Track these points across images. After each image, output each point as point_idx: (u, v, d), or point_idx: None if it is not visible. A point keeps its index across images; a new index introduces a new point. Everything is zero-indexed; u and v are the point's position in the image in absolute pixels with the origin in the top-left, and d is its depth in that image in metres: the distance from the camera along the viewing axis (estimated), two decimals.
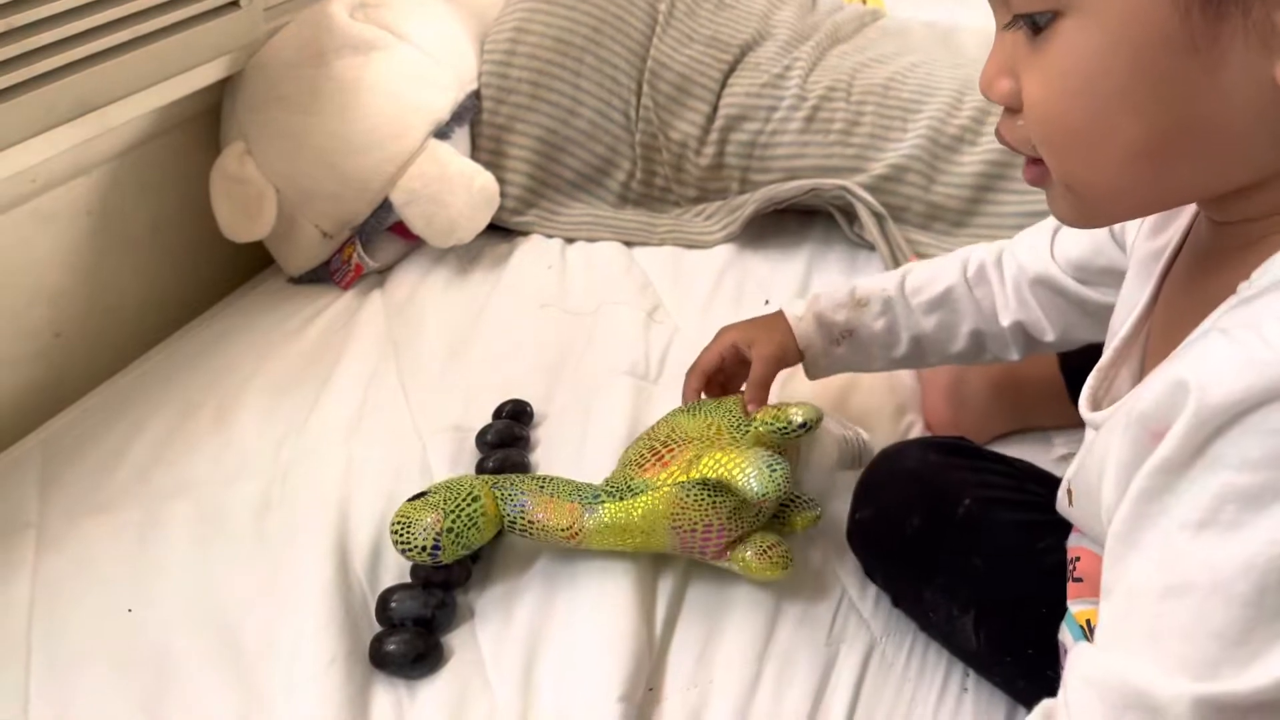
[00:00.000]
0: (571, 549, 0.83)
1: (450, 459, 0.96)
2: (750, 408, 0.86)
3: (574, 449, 0.97)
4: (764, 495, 0.76)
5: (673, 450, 0.83)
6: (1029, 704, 0.73)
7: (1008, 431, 1.00)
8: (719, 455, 0.79)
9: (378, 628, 0.79)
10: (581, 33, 1.34)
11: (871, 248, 1.24)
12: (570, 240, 1.31)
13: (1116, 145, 0.47)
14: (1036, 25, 0.48)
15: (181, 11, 1.11)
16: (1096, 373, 0.59)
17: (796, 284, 1.21)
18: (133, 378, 1.12)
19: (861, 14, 1.48)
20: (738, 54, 1.35)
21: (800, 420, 0.82)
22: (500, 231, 1.32)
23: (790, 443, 0.84)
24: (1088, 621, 0.61)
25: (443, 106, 1.26)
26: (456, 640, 0.79)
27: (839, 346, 0.90)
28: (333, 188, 1.22)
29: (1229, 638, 0.42)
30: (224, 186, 1.22)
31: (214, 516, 0.91)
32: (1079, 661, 0.48)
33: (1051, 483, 0.81)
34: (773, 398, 0.90)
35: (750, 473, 0.76)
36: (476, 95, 1.32)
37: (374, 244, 1.26)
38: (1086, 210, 0.52)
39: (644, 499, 0.80)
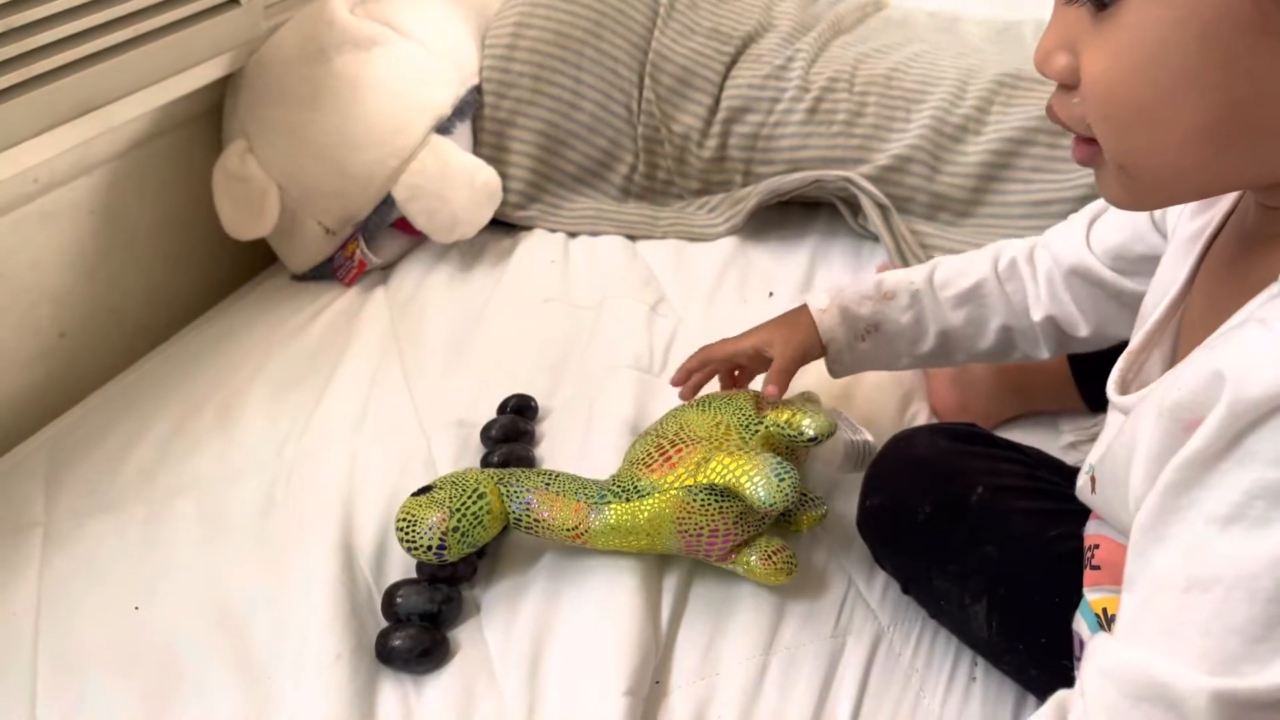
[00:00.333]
0: (576, 548, 0.83)
1: (455, 454, 0.96)
2: (769, 392, 0.85)
3: (578, 443, 0.97)
4: (772, 505, 0.75)
5: (680, 450, 0.82)
6: (1040, 692, 0.73)
7: (1014, 417, 0.99)
8: (727, 460, 0.79)
9: (384, 623, 0.79)
10: (582, 26, 1.34)
11: (876, 239, 1.24)
12: (573, 234, 1.31)
13: (1178, 125, 0.47)
14: (1102, 2, 0.47)
15: (181, 10, 1.11)
16: (1127, 355, 0.58)
17: (800, 276, 1.20)
18: (137, 376, 1.12)
19: (864, 4, 1.47)
20: (740, 46, 1.35)
21: (811, 434, 0.83)
22: (503, 226, 1.32)
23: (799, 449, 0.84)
24: (1104, 610, 0.60)
25: (444, 102, 1.26)
26: (463, 635, 0.79)
27: (863, 341, 0.88)
28: (335, 184, 1.22)
29: (1251, 634, 0.42)
30: (226, 184, 1.22)
31: (219, 514, 0.91)
32: (1097, 653, 0.48)
33: (1063, 470, 0.81)
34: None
35: (759, 481, 0.76)
36: (478, 90, 1.32)
37: (377, 240, 1.26)
38: (1140, 191, 0.51)
39: (650, 502, 0.80)
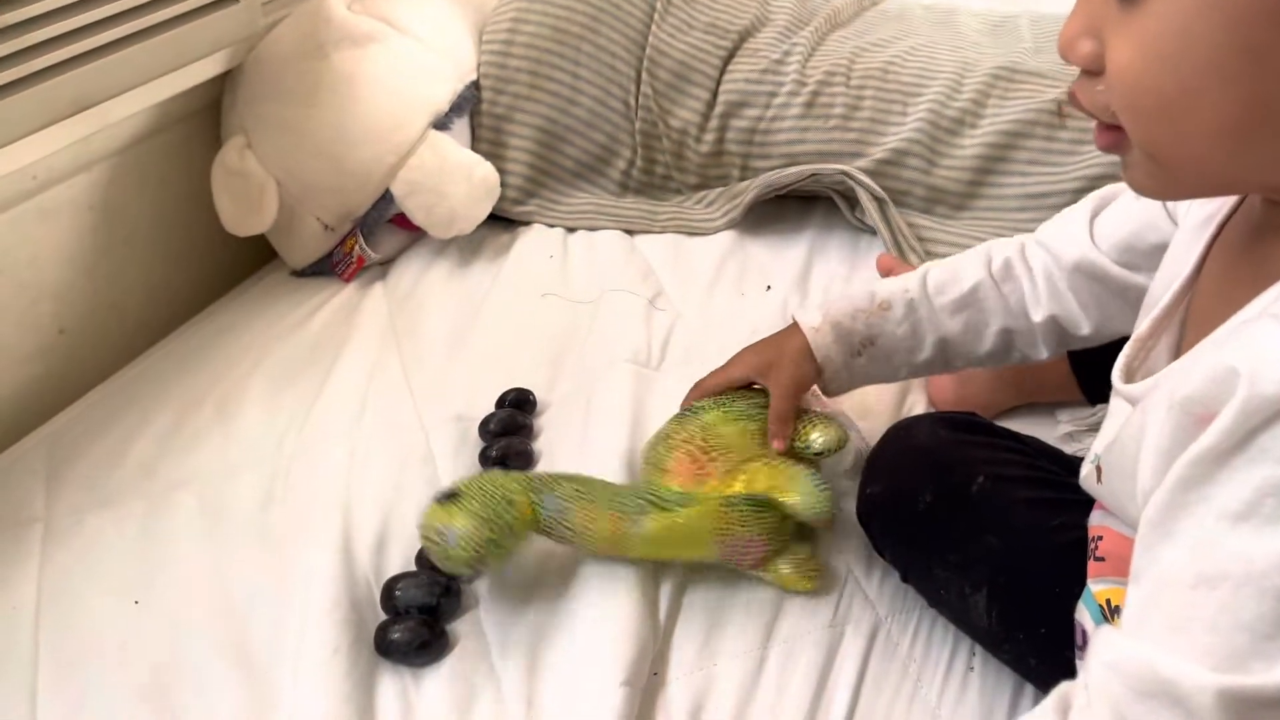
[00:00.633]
0: (609, 555, 0.81)
1: (453, 448, 0.96)
2: (775, 445, 0.84)
3: (577, 437, 0.97)
4: (817, 516, 0.78)
5: (712, 457, 0.83)
6: (1040, 682, 0.73)
7: (1012, 407, 1.00)
8: (764, 471, 0.80)
9: (383, 616, 0.79)
10: (579, 21, 1.34)
11: (873, 232, 1.24)
12: (571, 229, 1.31)
13: (1205, 116, 0.46)
14: None
15: (179, 6, 1.11)
16: (1133, 343, 0.58)
17: (798, 269, 1.20)
18: (137, 372, 1.12)
19: None
20: (736, 40, 1.35)
21: (818, 448, 0.84)
22: (501, 221, 1.32)
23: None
24: (1108, 601, 0.60)
25: (442, 97, 1.26)
26: (461, 628, 0.80)
27: (859, 357, 0.85)
28: (333, 180, 1.22)
29: (1259, 631, 0.42)
30: (225, 180, 1.23)
31: (219, 509, 0.91)
32: (1103, 646, 0.48)
33: (1063, 460, 0.81)
34: None
35: (802, 493, 0.78)
36: (475, 86, 1.32)
37: (375, 236, 1.26)
38: (1168, 181, 0.51)
39: (688, 513, 0.79)
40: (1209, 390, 0.44)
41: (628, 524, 0.78)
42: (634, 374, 1.03)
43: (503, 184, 1.30)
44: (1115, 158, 0.52)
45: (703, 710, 0.74)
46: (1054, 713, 0.49)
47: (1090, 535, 0.64)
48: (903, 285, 0.85)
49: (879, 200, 1.23)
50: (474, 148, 1.31)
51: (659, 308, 1.15)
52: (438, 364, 1.09)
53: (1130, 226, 0.75)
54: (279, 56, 1.23)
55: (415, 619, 0.78)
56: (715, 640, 0.78)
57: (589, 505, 0.78)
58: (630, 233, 1.30)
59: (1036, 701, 0.74)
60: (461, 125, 1.30)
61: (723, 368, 0.90)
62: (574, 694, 0.74)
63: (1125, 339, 0.79)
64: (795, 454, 0.85)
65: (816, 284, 1.19)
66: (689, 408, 0.88)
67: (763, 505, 0.79)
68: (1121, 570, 0.59)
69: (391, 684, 0.75)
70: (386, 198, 1.23)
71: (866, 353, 0.85)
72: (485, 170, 1.26)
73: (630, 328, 1.11)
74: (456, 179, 1.23)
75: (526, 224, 1.32)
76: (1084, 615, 0.63)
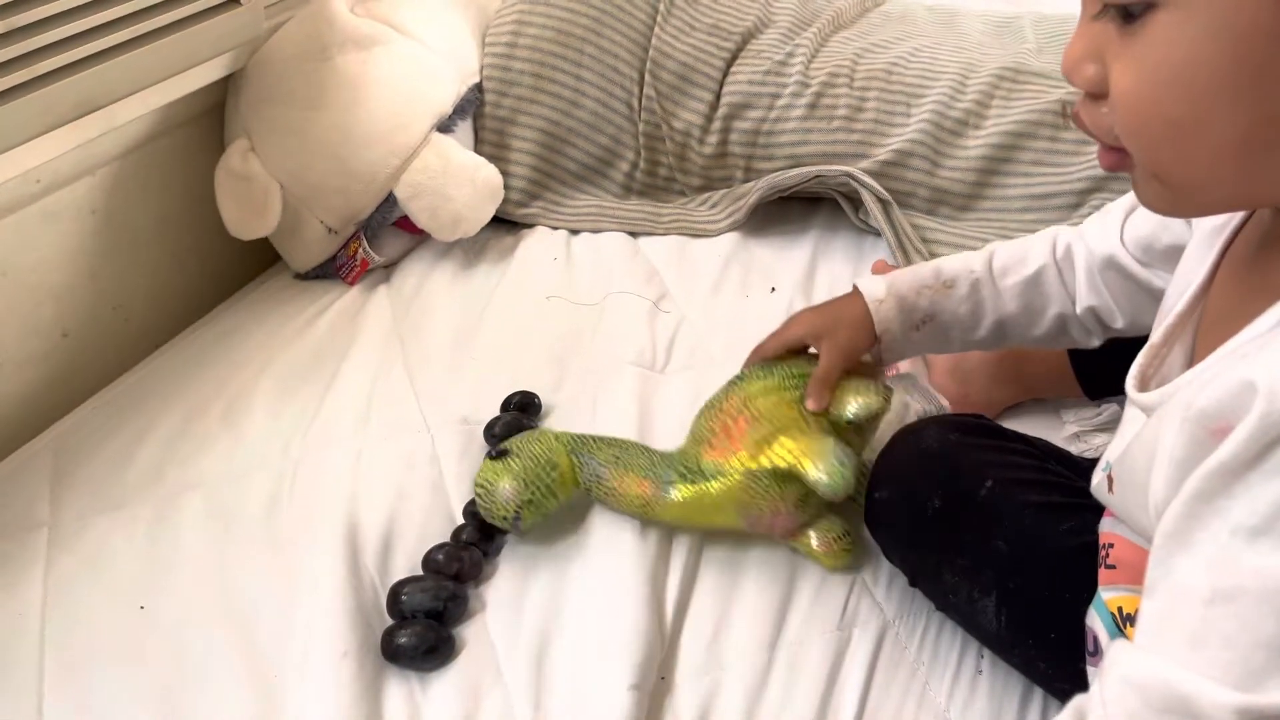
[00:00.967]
0: (643, 518, 0.85)
1: (459, 451, 0.96)
2: (810, 405, 0.84)
3: None
4: (833, 491, 0.77)
5: (742, 428, 0.83)
6: (1050, 687, 0.73)
7: (1013, 404, 1.00)
8: (790, 443, 0.80)
9: (389, 620, 0.79)
10: (582, 24, 1.34)
11: (877, 234, 1.24)
12: (575, 231, 1.31)
13: (1209, 139, 0.46)
14: (1129, 14, 0.47)
15: (182, 9, 1.11)
16: (1147, 351, 0.58)
17: (802, 271, 1.20)
18: (141, 376, 1.12)
19: None
20: (739, 42, 1.35)
21: (849, 416, 0.83)
22: (505, 224, 1.32)
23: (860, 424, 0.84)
24: (1119, 609, 0.60)
25: (445, 100, 1.26)
26: (468, 632, 0.80)
27: (918, 331, 0.86)
28: (337, 182, 1.22)
29: (1277, 648, 0.42)
30: (229, 184, 1.22)
31: (224, 513, 0.91)
32: (1119, 660, 0.48)
33: (1073, 462, 0.81)
34: None
35: (821, 467, 0.78)
36: (479, 88, 1.32)
37: (379, 239, 1.26)
38: (1176, 200, 0.51)
39: (715, 485, 0.81)
40: (1225, 404, 0.44)
41: (658, 490, 0.83)
42: (639, 376, 1.03)
43: (506, 186, 1.30)
44: None
45: (710, 713, 0.74)
46: None
47: (1101, 543, 0.64)
48: (968, 265, 0.85)
49: (883, 202, 1.23)
50: (477, 150, 1.31)
51: (663, 310, 1.15)
52: (442, 367, 1.09)
53: (1149, 226, 0.75)
54: (282, 59, 1.23)
55: (422, 623, 0.78)
56: (722, 643, 0.78)
57: (624, 471, 0.84)
58: (634, 235, 1.30)
59: (1045, 706, 0.74)
60: (465, 128, 1.30)
61: (780, 328, 0.91)
62: (581, 698, 0.74)
63: (1124, 339, 0.79)
64: (831, 422, 0.84)
65: (821, 285, 1.19)
66: (736, 377, 0.89)
67: (787, 478, 0.80)
68: (1133, 578, 0.59)
69: (398, 688, 0.75)
70: (390, 200, 1.23)
71: (926, 328, 0.86)
72: (489, 172, 1.26)
73: (635, 330, 1.11)
74: (460, 181, 1.23)
75: (530, 226, 1.32)
76: (1096, 622, 0.62)
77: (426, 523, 0.89)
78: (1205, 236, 0.59)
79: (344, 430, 1.00)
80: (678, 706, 0.74)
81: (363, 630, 0.78)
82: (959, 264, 0.86)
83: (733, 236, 1.27)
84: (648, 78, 1.33)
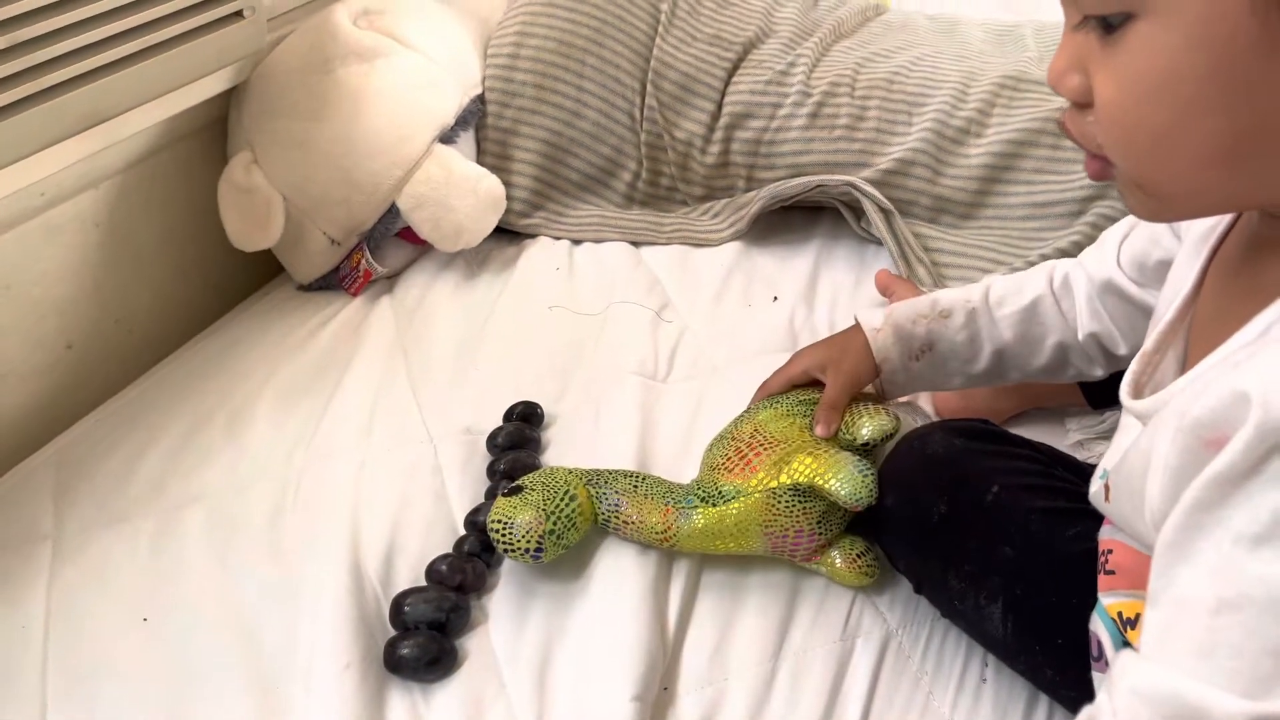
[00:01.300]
0: (663, 548, 0.84)
1: (461, 462, 0.96)
2: (820, 431, 0.84)
3: (585, 450, 0.97)
4: (856, 501, 0.77)
5: (758, 452, 0.83)
6: (1056, 693, 0.73)
7: (1017, 413, 1.00)
8: (808, 460, 0.80)
9: (392, 632, 0.79)
10: (584, 35, 1.34)
11: (879, 243, 1.24)
12: (577, 241, 1.31)
13: (1190, 148, 0.46)
14: (1109, 25, 0.47)
15: (185, 23, 1.11)
16: (1140, 358, 0.58)
17: (804, 280, 1.20)
18: (145, 388, 1.12)
19: (864, 8, 1.47)
20: (741, 52, 1.35)
21: (864, 439, 0.84)
22: (507, 234, 1.32)
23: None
24: (1119, 614, 0.60)
25: (447, 111, 1.26)
26: (471, 643, 0.79)
27: (917, 361, 0.87)
28: (340, 194, 1.22)
29: None
30: (232, 196, 1.23)
31: (228, 524, 0.91)
32: (1128, 671, 0.48)
33: (1079, 467, 0.81)
34: None
35: (842, 478, 0.78)
36: (481, 99, 1.33)
37: (382, 250, 1.27)
38: (1159, 207, 0.51)
39: (736, 505, 0.81)
40: (1220, 414, 0.44)
41: (678, 517, 0.82)
42: (641, 386, 1.03)
43: (508, 197, 1.30)
44: None
45: None
46: None
47: (1100, 549, 0.64)
48: (965, 295, 0.87)
49: (885, 211, 1.23)
50: (479, 161, 1.32)
51: (666, 319, 1.15)
52: (445, 377, 1.09)
53: (1140, 244, 0.76)
54: (285, 72, 1.23)
55: (425, 634, 0.77)
56: (725, 654, 0.78)
57: (642, 500, 0.83)
58: (636, 244, 1.30)
59: (1050, 714, 0.74)
60: (467, 139, 1.31)
61: (783, 367, 0.92)
62: (584, 709, 0.74)
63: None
64: (843, 446, 0.84)
65: (823, 295, 1.19)
66: (745, 411, 0.90)
67: (808, 495, 0.80)
68: (1133, 583, 0.59)
69: (401, 700, 0.75)
70: (393, 211, 1.23)
71: (925, 358, 0.87)
72: (491, 183, 1.26)
73: (637, 340, 1.11)
74: (462, 192, 1.23)
75: (532, 237, 1.33)
76: (1099, 627, 0.63)
77: (429, 533, 0.89)
78: (1194, 243, 0.59)
79: (347, 441, 1.00)
80: (680, 718, 0.74)
81: (365, 641, 0.78)
82: (956, 295, 0.87)
83: (735, 246, 1.27)
84: (649, 88, 1.34)
